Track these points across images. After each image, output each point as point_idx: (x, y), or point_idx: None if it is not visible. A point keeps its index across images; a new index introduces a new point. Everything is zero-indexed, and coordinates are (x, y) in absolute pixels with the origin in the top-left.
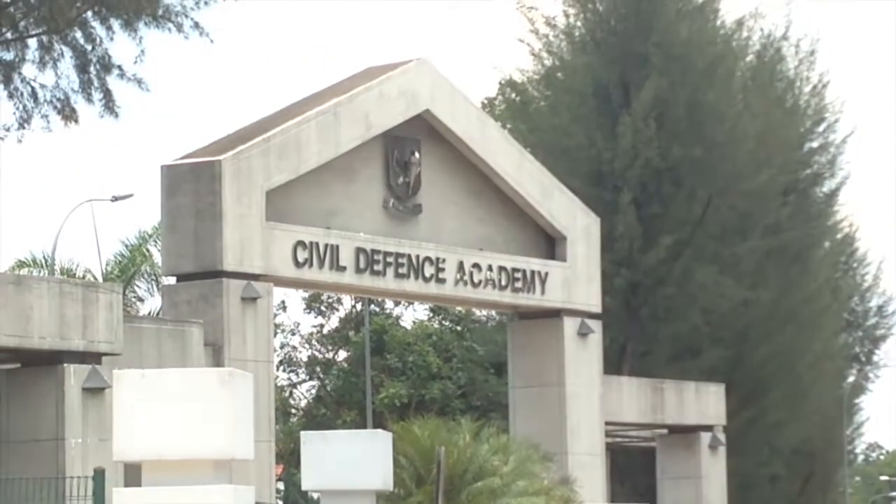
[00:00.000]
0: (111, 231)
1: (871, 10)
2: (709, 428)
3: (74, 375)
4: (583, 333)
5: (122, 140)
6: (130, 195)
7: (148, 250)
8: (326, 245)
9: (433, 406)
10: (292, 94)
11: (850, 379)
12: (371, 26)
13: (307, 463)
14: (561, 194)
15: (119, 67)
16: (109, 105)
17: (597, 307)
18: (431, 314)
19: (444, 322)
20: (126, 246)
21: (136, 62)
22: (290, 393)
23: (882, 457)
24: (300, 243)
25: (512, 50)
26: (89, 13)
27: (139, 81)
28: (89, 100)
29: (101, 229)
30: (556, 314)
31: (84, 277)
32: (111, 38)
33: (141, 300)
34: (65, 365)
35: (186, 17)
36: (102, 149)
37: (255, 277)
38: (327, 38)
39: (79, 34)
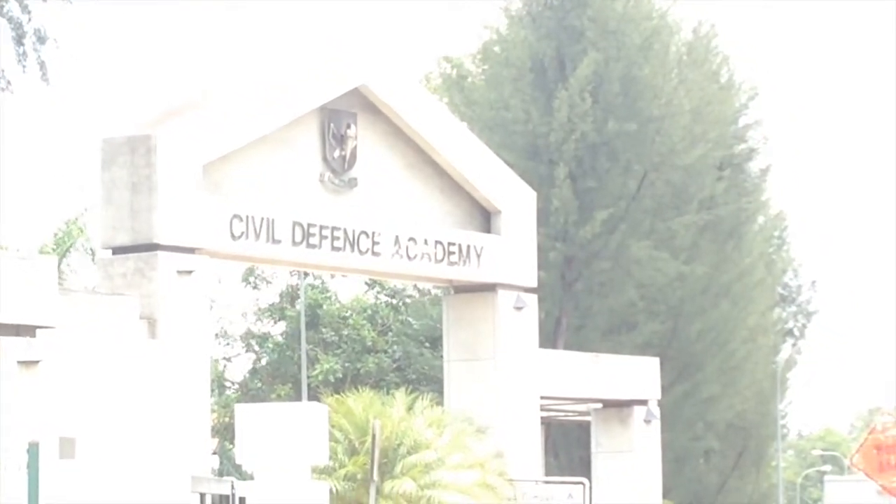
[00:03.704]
0: (46, 204)
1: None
2: (643, 402)
3: (9, 348)
4: (518, 307)
5: (58, 113)
6: (66, 168)
7: (83, 223)
8: (262, 218)
9: (368, 380)
10: (230, 66)
11: (784, 354)
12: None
13: (242, 437)
14: (497, 168)
15: (54, 40)
16: (44, 76)
17: (532, 281)
18: (367, 287)
19: (379, 296)
20: (65, 222)
21: (71, 34)
22: (226, 366)
23: (814, 431)
24: (236, 216)
25: (449, 24)
26: None
27: (74, 54)
28: (24, 71)
29: (36, 202)
30: (491, 288)
31: (19, 250)
32: (46, 10)
33: (76, 273)
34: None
35: None
36: (38, 121)
37: (191, 250)
38: (266, 9)
39: (14, 6)
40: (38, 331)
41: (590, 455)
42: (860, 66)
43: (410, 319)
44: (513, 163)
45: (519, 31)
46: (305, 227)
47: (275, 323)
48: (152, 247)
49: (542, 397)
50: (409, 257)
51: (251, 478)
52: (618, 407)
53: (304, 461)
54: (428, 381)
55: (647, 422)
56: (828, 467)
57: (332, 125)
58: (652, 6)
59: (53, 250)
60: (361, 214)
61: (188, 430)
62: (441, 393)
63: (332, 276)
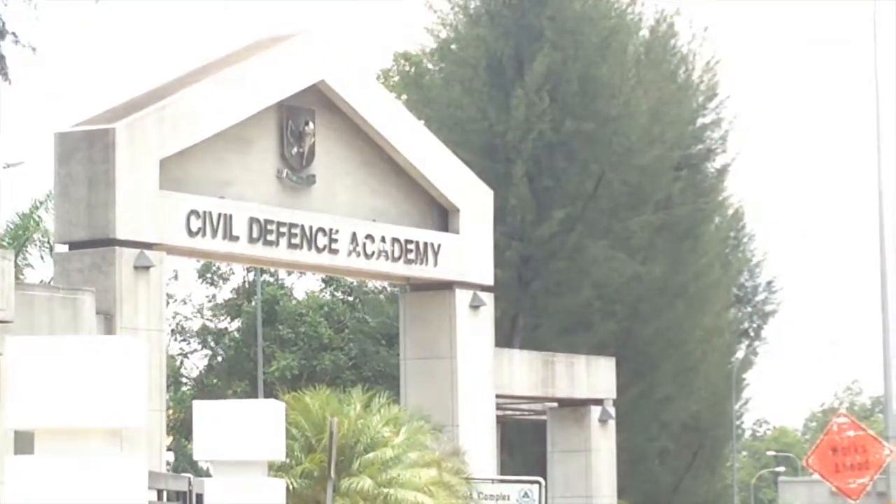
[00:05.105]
0: (3, 198)
1: None
2: (599, 402)
3: None
4: (475, 306)
5: (15, 107)
6: (21, 162)
7: (39, 217)
8: (220, 214)
9: (324, 377)
10: (187, 61)
11: (739, 354)
12: None
13: (199, 433)
14: (454, 166)
15: (13, 34)
16: (3, 71)
17: (489, 280)
18: (324, 285)
19: (336, 293)
20: (18, 214)
21: (31, 28)
22: (182, 362)
23: (769, 432)
24: (194, 212)
25: (408, 21)
26: None
27: (33, 48)
28: None
29: None
30: (448, 286)
31: None
32: (5, 4)
33: (32, 267)
34: None
35: None
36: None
37: (149, 246)
38: (224, 5)
39: None
40: None
41: (545, 454)
42: (835, 62)
43: (367, 317)
44: (470, 161)
45: (476, 29)
46: (263, 223)
47: (231, 319)
48: (109, 242)
49: (497, 396)
50: (366, 255)
51: (207, 474)
52: (573, 406)
53: (260, 458)
54: (384, 379)
55: (603, 421)
56: (781, 468)
57: (290, 122)
58: (610, 5)
59: (9, 244)
60: (319, 211)
61: (144, 425)
62: (397, 391)
63: (289, 274)
